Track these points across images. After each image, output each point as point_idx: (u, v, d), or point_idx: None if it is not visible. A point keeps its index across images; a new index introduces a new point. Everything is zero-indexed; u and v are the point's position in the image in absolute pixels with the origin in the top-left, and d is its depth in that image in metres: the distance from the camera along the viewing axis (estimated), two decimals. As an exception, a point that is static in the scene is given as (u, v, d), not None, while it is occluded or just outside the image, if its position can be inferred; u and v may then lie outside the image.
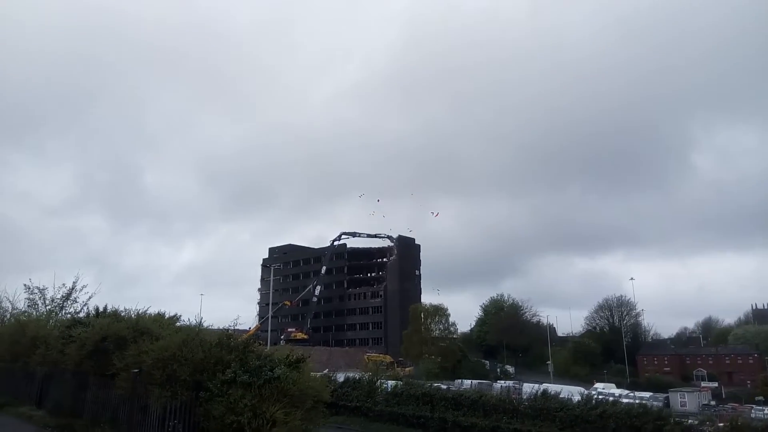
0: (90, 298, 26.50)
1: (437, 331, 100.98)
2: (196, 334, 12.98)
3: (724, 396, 79.86)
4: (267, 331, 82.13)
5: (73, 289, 28.33)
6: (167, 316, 16.29)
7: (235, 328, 14.24)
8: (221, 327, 14.15)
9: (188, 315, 14.49)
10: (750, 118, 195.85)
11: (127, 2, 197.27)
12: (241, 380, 11.22)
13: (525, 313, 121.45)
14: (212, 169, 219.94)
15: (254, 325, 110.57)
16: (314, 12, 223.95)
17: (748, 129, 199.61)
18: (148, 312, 16.16)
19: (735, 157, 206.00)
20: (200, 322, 14.24)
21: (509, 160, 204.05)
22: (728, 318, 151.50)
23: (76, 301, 27.69)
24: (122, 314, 16.27)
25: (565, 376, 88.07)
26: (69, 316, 23.76)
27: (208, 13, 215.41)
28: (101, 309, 17.55)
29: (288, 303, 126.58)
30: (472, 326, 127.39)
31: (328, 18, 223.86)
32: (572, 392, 35.70)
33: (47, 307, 28.29)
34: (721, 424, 22.62)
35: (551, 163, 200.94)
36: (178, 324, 15.31)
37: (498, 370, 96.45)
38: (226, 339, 12.70)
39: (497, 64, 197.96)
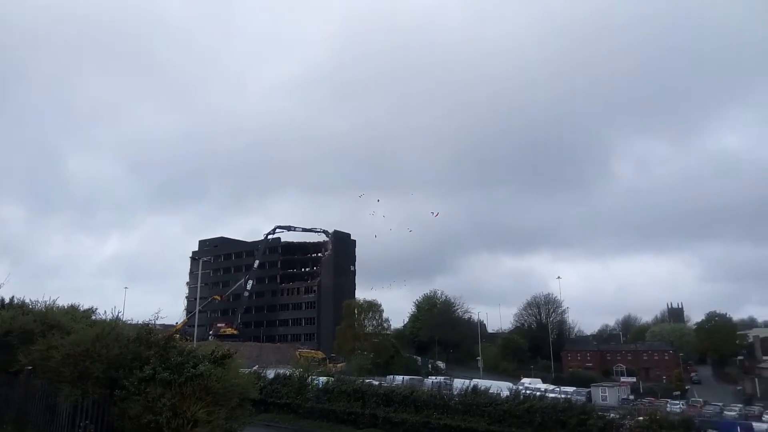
0: (-1, 288, 24.51)
1: (370, 327, 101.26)
2: (113, 328, 12.09)
3: (641, 390, 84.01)
4: (194, 326, 79.73)
5: (-22, 279, 26.13)
6: (82, 308, 15.17)
7: (157, 322, 13.32)
8: (143, 321, 13.21)
9: (111, 308, 13.38)
10: (663, 130, 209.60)
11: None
12: (161, 377, 10.50)
13: (457, 309, 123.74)
14: (141, 158, 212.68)
15: (181, 320, 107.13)
16: (253, 3, 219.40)
17: (662, 139, 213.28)
18: (59, 304, 14.98)
19: (650, 165, 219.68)
20: (117, 315, 13.29)
21: (443, 161, 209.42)
22: (646, 316, 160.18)
23: (-18, 293, 25.54)
24: (30, 306, 15.02)
25: (494, 371, 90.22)
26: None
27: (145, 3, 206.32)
28: (7, 300, 16.13)
29: (218, 297, 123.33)
30: (406, 322, 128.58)
31: (268, 5, 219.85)
32: (501, 387, 36.38)
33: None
34: (641, 418, 23.50)
35: (483, 165, 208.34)
36: (93, 317, 14.26)
37: (429, 365, 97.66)
38: (146, 334, 11.90)
39: (433, 68, 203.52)
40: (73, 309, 15.00)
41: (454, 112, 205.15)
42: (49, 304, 14.62)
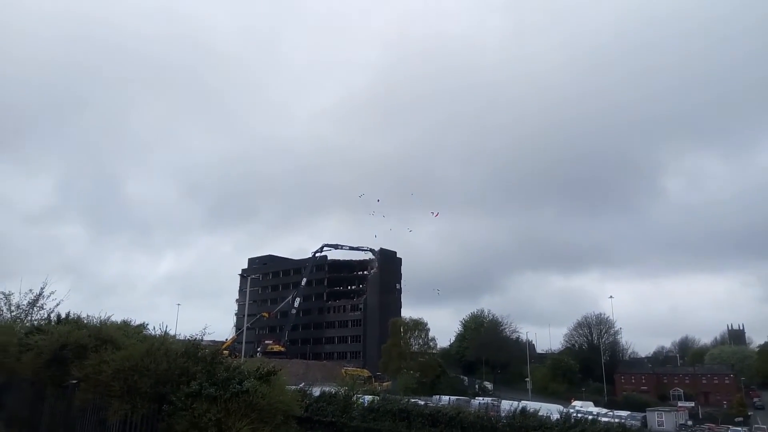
0: (58, 304, 25.42)
1: (416, 346, 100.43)
2: (162, 343, 12.31)
3: (700, 416, 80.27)
4: (242, 342, 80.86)
5: (40, 295, 27.22)
6: (134, 324, 15.57)
7: (206, 338, 13.54)
8: (191, 337, 13.41)
9: (162, 325, 13.70)
10: (715, 145, 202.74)
11: (114, 13, 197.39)
12: (207, 393, 10.59)
13: (504, 329, 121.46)
14: (194, 181, 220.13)
15: (231, 337, 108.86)
16: (299, 29, 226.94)
17: (714, 155, 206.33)
18: (112, 320, 15.42)
19: (702, 182, 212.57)
20: (166, 330, 13.54)
21: (486, 180, 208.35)
22: (704, 338, 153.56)
23: (43, 308, 26.59)
24: (84, 321, 15.50)
25: (543, 393, 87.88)
26: (36, 323, 22.75)
27: (194, 26, 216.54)
28: (63, 316, 16.71)
29: (266, 314, 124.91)
30: (452, 341, 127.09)
31: (312, 35, 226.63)
32: (551, 410, 35.23)
33: (12, 314, 27.17)
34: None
35: (527, 184, 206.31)
36: (144, 333, 14.59)
37: (476, 386, 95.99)
38: (193, 349, 12.06)
39: (475, 88, 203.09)
40: (125, 325, 15.41)
41: (499, 130, 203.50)
42: (103, 320, 15.07)
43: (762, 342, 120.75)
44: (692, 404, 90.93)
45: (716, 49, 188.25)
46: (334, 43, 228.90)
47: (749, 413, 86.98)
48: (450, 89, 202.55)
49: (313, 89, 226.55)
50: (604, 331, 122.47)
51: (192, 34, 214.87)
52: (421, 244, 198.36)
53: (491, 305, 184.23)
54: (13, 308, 27.41)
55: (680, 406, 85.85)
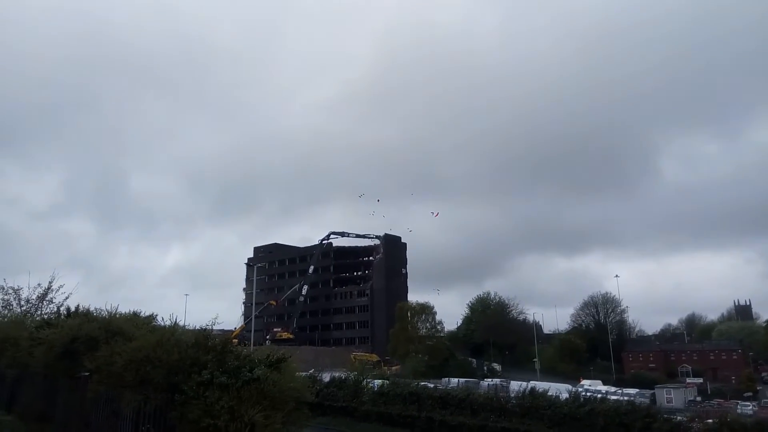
0: (67, 298, 25.68)
1: (424, 330, 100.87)
2: (172, 334, 12.38)
3: (709, 392, 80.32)
4: (251, 331, 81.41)
5: (48, 289, 27.47)
6: (143, 315, 15.65)
7: (215, 328, 13.59)
8: (201, 327, 13.48)
9: (171, 315, 13.84)
10: (708, 128, 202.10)
11: (113, 11, 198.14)
12: (219, 382, 10.66)
13: (511, 311, 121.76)
14: (197, 175, 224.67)
15: (239, 325, 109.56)
16: (296, 25, 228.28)
17: (707, 136, 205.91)
18: (121, 312, 15.48)
19: (697, 163, 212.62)
20: (175, 321, 13.60)
21: (484, 165, 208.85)
22: (711, 314, 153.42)
23: (52, 302, 26.83)
24: (94, 314, 15.59)
25: (551, 373, 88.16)
26: (45, 317, 22.95)
27: (193, 22, 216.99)
28: (72, 309, 16.81)
29: (273, 302, 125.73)
30: (459, 324, 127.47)
31: (309, 32, 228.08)
32: (560, 390, 35.45)
33: (22, 308, 27.41)
34: (710, 421, 22.37)
35: (524, 168, 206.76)
36: (153, 324, 14.67)
37: (485, 368, 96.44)
38: (203, 339, 12.12)
39: (470, 73, 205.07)
40: (134, 316, 15.48)
41: (495, 115, 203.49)
42: (113, 312, 15.15)
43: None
44: (701, 380, 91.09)
45: (710, 31, 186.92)
46: (328, 39, 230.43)
47: (758, 388, 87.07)
48: (446, 78, 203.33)
49: (312, 84, 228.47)
50: (610, 310, 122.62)
51: (192, 30, 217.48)
52: (423, 232, 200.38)
53: (495, 289, 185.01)
54: (23, 303, 27.73)
55: (689, 383, 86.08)
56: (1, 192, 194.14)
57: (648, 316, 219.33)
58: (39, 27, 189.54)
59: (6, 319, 25.42)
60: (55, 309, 23.02)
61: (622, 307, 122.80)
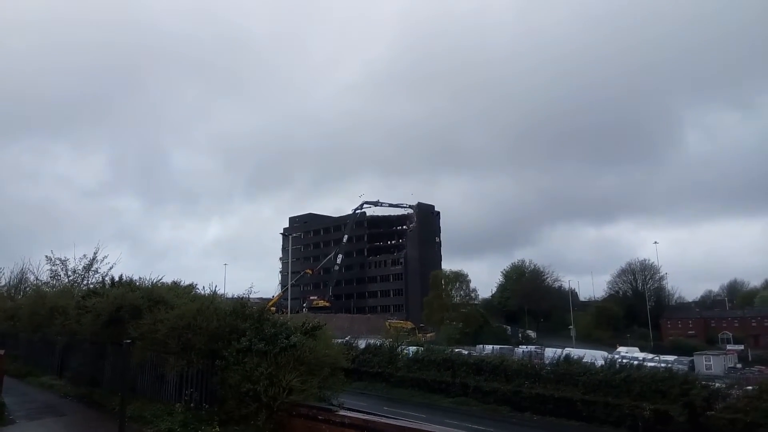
0: (111, 268, 26.59)
1: (458, 297, 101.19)
2: (211, 302, 12.77)
3: (750, 359, 78.78)
4: (288, 299, 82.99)
5: (94, 259, 28.47)
6: (183, 284, 16.14)
7: (252, 296, 13.97)
8: (238, 295, 13.87)
9: (212, 285, 14.42)
10: (730, 96, 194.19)
11: (158, 12, 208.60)
12: (257, 348, 11.03)
13: (546, 278, 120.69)
14: (233, 152, 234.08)
15: (276, 294, 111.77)
16: (322, 18, 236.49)
17: (728, 106, 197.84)
18: (162, 281, 15.99)
19: (720, 132, 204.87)
20: (215, 289, 14.00)
21: (510, 138, 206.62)
22: (754, 281, 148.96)
23: (97, 272, 27.84)
24: (137, 284, 16.14)
25: (587, 340, 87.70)
26: (91, 286, 23.87)
27: (229, 9, 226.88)
28: (117, 279, 17.42)
29: (310, 271, 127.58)
30: (493, 292, 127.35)
31: (334, 23, 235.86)
32: (595, 356, 35.37)
33: (69, 278, 28.51)
34: (749, 387, 22.06)
35: (549, 139, 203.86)
36: (194, 293, 15.14)
37: (519, 335, 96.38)
38: (241, 307, 12.49)
39: (489, 45, 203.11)
40: (175, 285, 15.97)
41: (521, 93, 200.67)
42: (154, 282, 15.67)
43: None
44: (741, 347, 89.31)
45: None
46: (353, 29, 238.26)
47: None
48: (466, 57, 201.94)
49: (340, 70, 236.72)
50: (648, 277, 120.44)
51: (228, 17, 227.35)
52: (453, 203, 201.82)
53: (526, 257, 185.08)
54: (69, 273, 28.84)
55: (729, 350, 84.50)
56: (54, 172, 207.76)
57: (685, 283, 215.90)
58: (93, 17, 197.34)
59: (55, 289, 26.51)
60: (100, 279, 23.88)
61: (661, 274, 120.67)
